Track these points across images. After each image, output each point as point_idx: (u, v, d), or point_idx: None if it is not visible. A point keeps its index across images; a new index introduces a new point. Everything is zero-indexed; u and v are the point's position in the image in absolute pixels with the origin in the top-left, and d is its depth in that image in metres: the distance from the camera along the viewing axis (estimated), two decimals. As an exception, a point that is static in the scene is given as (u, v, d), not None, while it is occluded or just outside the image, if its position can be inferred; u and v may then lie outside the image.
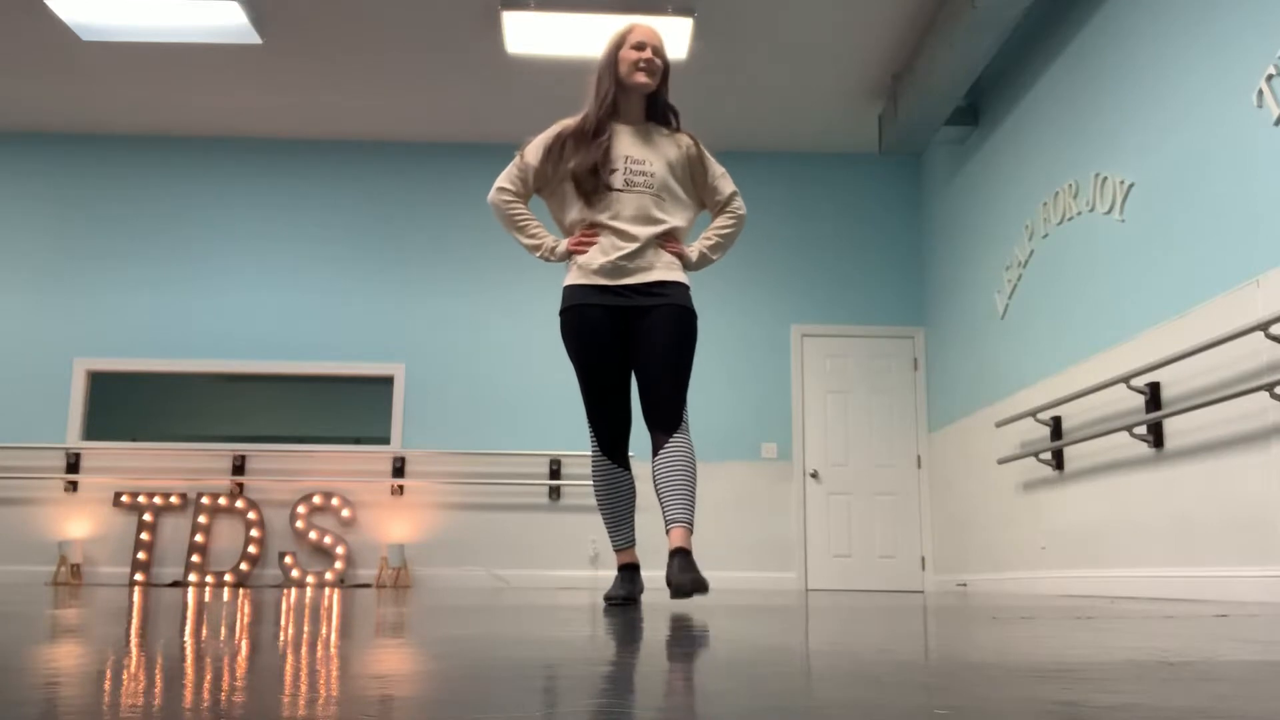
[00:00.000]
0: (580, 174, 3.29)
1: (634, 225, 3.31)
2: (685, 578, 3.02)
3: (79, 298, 8.47)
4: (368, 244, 8.66)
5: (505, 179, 3.45)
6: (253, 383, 11.37)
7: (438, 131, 8.61)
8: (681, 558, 3.08)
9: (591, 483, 3.46)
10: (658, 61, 3.36)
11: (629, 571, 3.38)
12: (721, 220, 3.53)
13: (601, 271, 3.31)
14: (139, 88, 7.93)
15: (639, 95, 3.38)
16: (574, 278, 3.36)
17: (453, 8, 6.79)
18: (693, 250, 3.45)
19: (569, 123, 3.40)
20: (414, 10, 6.82)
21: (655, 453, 3.26)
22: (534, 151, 3.41)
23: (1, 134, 8.68)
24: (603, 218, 3.31)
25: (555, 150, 3.37)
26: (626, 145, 3.36)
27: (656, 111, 3.44)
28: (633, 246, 3.30)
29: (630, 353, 3.35)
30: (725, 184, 3.53)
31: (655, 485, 3.24)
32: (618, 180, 3.31)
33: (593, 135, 3.33)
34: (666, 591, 3.27)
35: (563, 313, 3.37)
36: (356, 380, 8.85)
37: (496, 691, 0.94)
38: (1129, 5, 5.44)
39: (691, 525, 3.17)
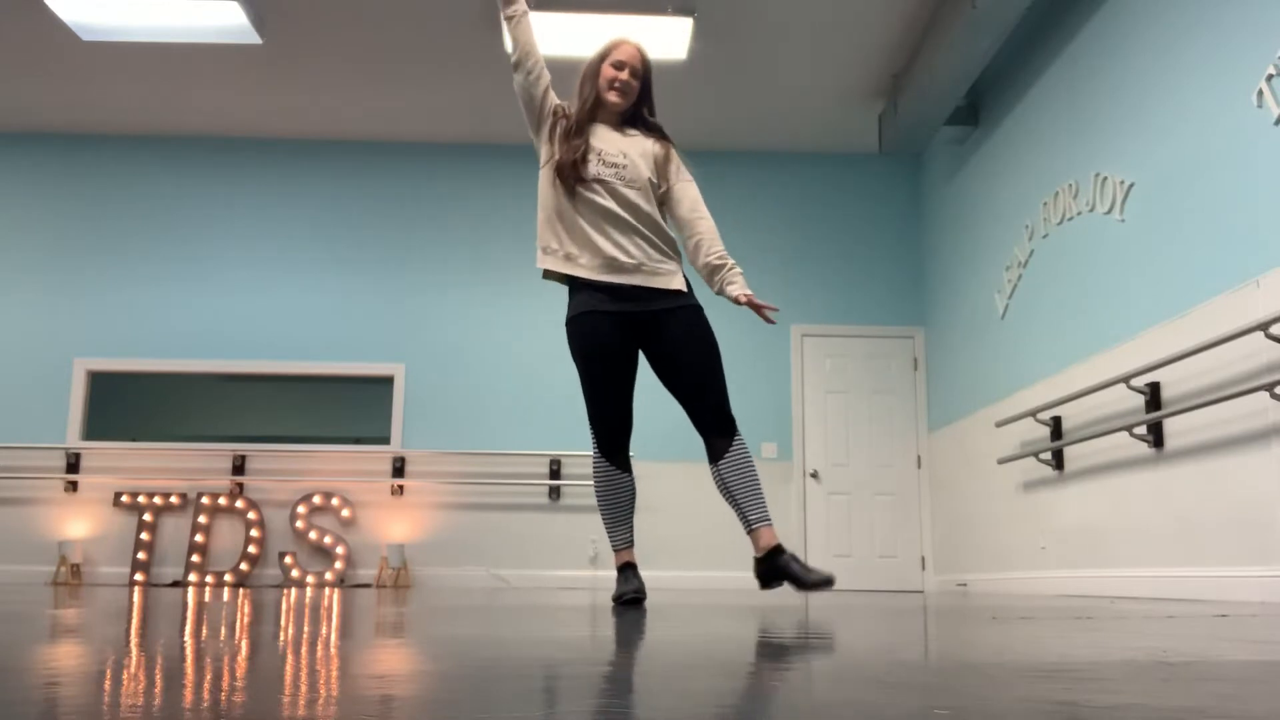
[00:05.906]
0: (563, 167, 3.36)
1: (621, 215, 3.35)
2: (812, 573, 3.16)
3: (79, 298, 8.47)
4: (368, 244, 8.66)
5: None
6: (253, 383, 11.38)
7: (438, 131, 8.61)
8: (790, 555, 3.22)
9: (592, 483, 3.50)
10: (633, 84, 3.44)
11: (629, 570, 3.43)
12: (708, 234, 3.47)
13: (598, 268, 3.34)
14: (139, 88, 7.93)
15: (613, 110, 3.47)
16: (577, 277, 3.38)
17: (453, 8, 6.79)
18: (739, 289, 3.38)
19: (569, 110, 3.48)
20: (414, 10, 6.82)
21: (717, 458, 3.32)
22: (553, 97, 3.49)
23: (1, 134, 8.69)
24: (582, 210, 3.36)
25: (559, 115, 3.45)
26: (603, 140, 3.43)
27: (635, 122, 3.52)
28: (626, 243, 3.34)
29: (657, 365, 3.40)
30: (691, 189, 3.50)
31: (724, 489, 3.31)
32: (589, 172, 3.35)
33: (575, 134, 3.41)
34: (666, 594, 3.39)
35: (570, 321, 3.39)
36: (356, 380, 8.85)
37: (496, 691, 0.94)
38: (1129, 5, 5.44)
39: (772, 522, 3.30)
